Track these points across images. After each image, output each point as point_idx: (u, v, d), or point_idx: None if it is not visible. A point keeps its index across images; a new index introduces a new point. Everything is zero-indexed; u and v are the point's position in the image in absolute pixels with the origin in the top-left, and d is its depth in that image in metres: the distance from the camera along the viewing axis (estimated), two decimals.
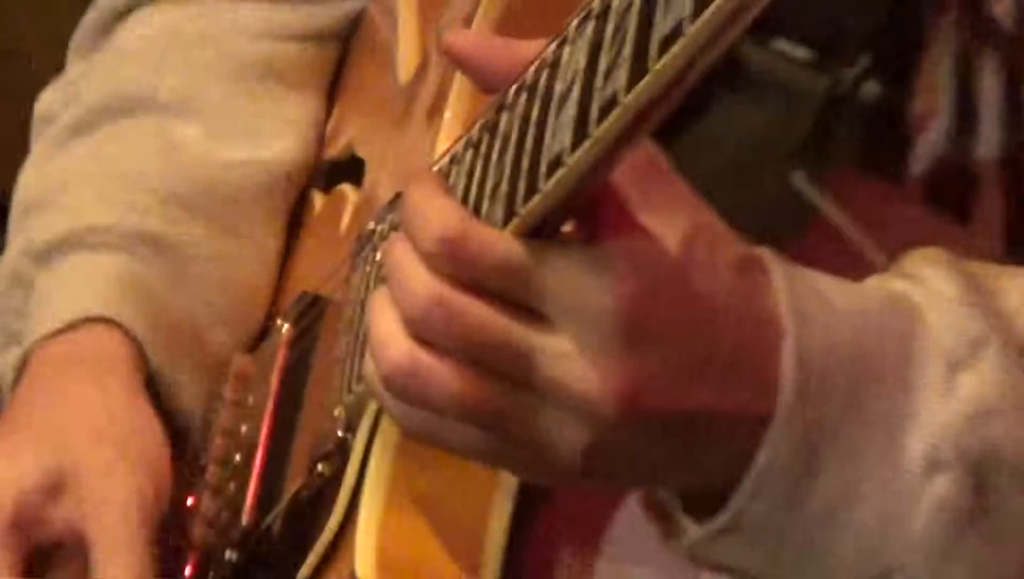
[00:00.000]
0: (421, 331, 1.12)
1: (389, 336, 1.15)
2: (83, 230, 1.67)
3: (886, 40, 1.34)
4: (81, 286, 1.66)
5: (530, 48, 1.15)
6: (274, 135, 1.77)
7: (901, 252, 1.23)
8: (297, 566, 1.42)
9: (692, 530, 1.15)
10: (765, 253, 1.12)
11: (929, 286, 1.21)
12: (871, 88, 1.31)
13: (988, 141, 1.38)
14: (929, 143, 1.35)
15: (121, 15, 1.82)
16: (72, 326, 1.63)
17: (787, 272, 1.12)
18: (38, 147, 1.76)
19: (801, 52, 1.30)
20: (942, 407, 1.18)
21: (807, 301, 1.14)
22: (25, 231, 1.73)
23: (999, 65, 1.35)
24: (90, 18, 1.82)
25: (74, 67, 1.81)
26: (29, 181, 1.73)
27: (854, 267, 1.24)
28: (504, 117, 1.18)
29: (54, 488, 1.56)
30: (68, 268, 1.66)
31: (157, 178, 1.72)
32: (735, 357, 1.13)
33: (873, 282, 1.20)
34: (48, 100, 1.80)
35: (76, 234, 1.67)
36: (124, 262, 1.67)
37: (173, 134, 1.75)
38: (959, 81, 1.36)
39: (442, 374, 1.13)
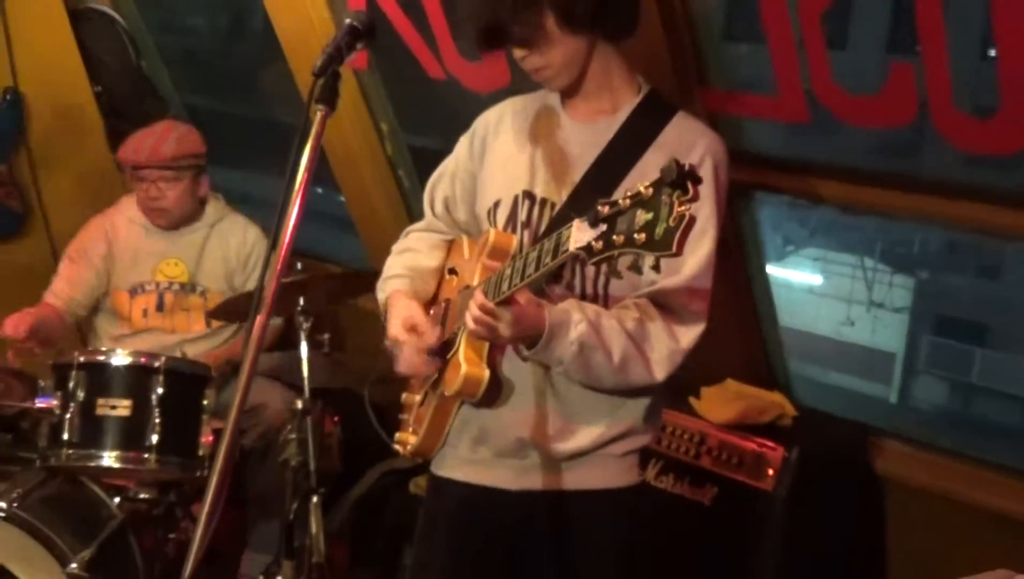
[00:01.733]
0: (475, 320, 1.97)
1: (469, 318, 1.98)
2: (390, 277, 2.35)
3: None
4: (395, 285, 2.31)
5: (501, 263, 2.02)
6: (435, 259, 2.36)
7: (563, 299, 2.08)
8: (447, 353, 2.16)
9: (525, 352, 2.04)
10: (542, 301, 2.01)
11: (570, 306, 2.04)
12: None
13: (588, 273, 2.12)
14: (561, 284, 2.12)
15: (407, 233, 2.45)
16: (395, 292, 2.30)
17: (544, 304, 2.01)
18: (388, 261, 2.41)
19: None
20: (572, 332, 2.00)
21: (550, 310, 2.00)
22: (383, 277, 2.38)
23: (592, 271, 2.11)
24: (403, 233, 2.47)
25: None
26: (389, 267, 2.39)
27: (555, 302, 2.06)
28: (494, 276, 1.99)
29: (409, 318, 2.20)
30: (394, 282, 2.33)
31: (410, 265, 2.36)
32: (537, 324, 1.98)
33: (561, 304, 2.05)
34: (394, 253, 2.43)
35: (393, 278, 2.34)
36: (403, 281, 2.32)
37: (415, 256, 2.37)
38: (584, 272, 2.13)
39: (479, 329, 1.97)
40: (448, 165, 2.37)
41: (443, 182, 2.37)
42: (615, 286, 2.10)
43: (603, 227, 1.64)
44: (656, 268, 1.61)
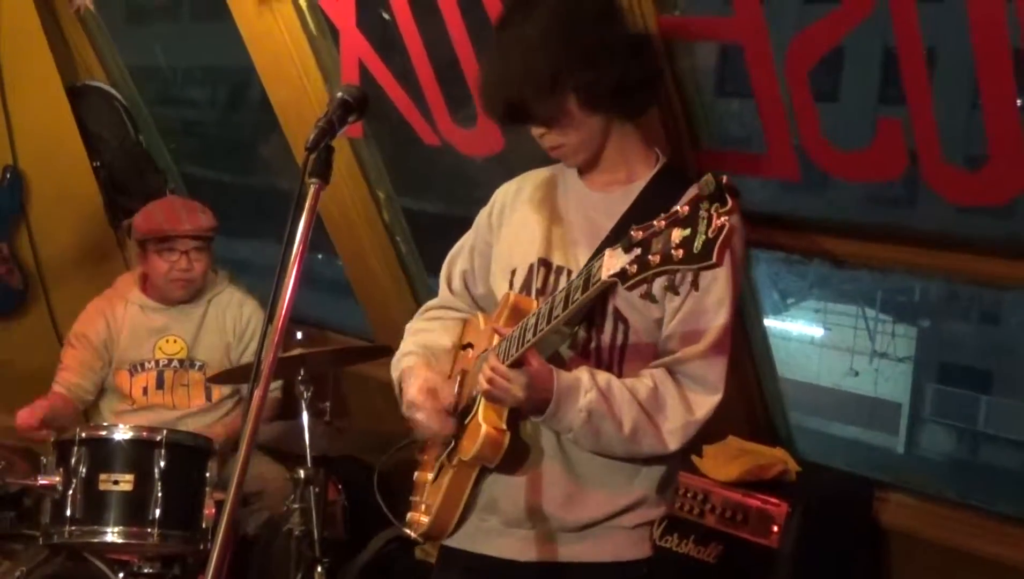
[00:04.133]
0: (488, 381, 1.99)
1: (482, 378, 2.00)
2: (405, 355, 2.31)
3: (585, 320, 2.06)
4: (409, 362, 2.27)
5: (518, 323, 1.99)
6: (449, 338, 2.33)
7: (578, 367, 2.05)
8: (466, 417, 2.12)
9: (537, 418, 2.03)
10: (551, 366, 1.99)
11: (580, 373, 2.02)
12: (580, 332, 2.09)
13: (604, 341, 2.09)
14: (577, 350, 2.09)
15: (423, 312, 2.43)
16: (408, 367, 2.27)
17: (554, 369, 1.98)
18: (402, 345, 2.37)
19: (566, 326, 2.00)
20: (581, 399, 2.00)
21: (560, 375, 1.99)
22: (397, 356, 2.35)
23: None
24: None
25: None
26: (403, 346, 2.36)
27: (570, 369, 2.04)
28: (516, 330, 1.98)
29: (427, 381, 2.19)
30: (407, 359, 2.30)
31: (424, 343, 2.32)
32: (546, 388, 1.98)
33: (573, 371, 2.03)
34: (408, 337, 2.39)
35: (408, 355, 2.30)
36: (417, 357, 2.29)
37: (429, 336, 2.35)
38: (588, 328, 2.09)
39: (493, 392, 1.99)
40: (467, 240, 2.36)
41: (462, 257, 2.37)
42: (631, 353, 2.09)
43: (637, 251, 1.59)
44: (695, 284, 1.55)
